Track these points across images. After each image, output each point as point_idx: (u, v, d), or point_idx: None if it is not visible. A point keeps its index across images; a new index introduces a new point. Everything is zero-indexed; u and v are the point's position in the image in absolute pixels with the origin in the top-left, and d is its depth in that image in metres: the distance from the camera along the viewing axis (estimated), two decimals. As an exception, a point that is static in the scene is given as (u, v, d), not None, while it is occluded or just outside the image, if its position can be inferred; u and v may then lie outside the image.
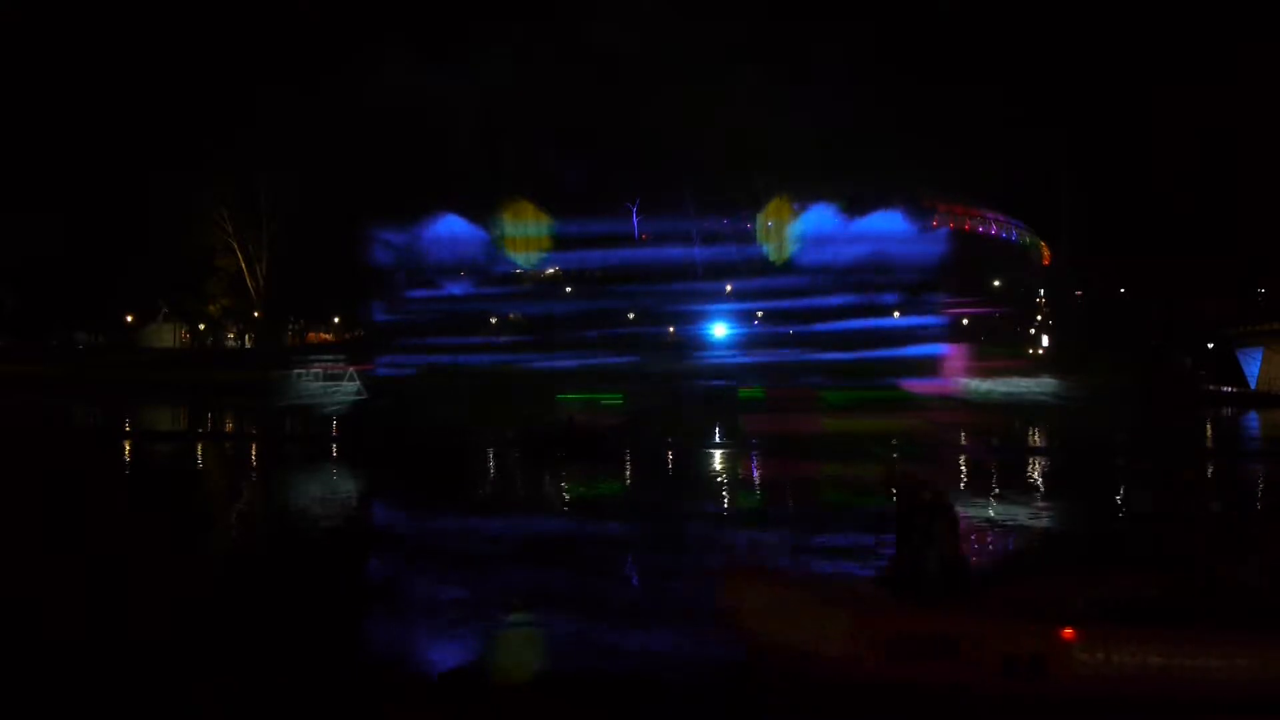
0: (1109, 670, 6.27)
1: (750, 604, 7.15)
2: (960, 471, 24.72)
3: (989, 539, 15.01)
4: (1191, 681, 6.27)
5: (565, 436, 27.31)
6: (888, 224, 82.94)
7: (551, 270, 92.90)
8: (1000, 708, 6.33)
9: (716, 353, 75.75)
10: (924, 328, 69.29)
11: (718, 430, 33.69)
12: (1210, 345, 76.74)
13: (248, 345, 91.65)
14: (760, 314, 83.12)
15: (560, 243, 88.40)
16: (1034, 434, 36.09)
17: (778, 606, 6.99)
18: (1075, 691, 6.27)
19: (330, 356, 53.96)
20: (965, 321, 76.85)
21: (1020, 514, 17.51)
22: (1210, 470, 26.43)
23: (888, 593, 7.31)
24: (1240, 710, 6.24)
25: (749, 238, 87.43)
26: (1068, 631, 6.36)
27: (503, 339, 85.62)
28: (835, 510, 18.22)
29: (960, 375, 39.70)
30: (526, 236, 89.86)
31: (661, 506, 18.99)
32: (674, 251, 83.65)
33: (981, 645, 6.38)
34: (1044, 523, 17.08)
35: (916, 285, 77.68)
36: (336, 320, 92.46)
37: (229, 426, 39.38)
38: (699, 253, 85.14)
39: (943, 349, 58.35)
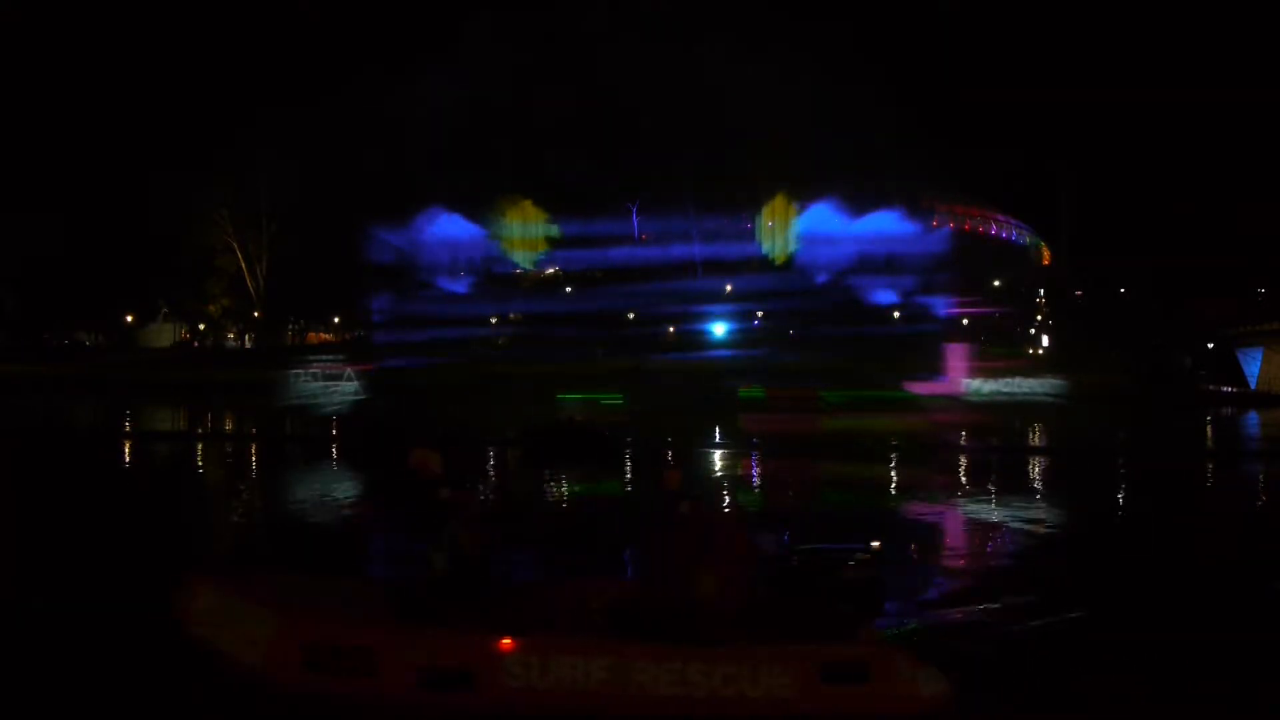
0: (544, 683, 6.03)
1: (199, 606, 6.83)
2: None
3: None
4: (636, 695, 6.03)
5: (566, 436, 27.31)
6: (888, 224, 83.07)
7: (551, 270, 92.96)
8: None
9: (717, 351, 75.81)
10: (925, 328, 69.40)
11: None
12: (1210, 345, 76.75)
13: (248, 345, 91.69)
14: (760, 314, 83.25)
15: (560, 242, 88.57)
16: (1035, 434, 36.14)
17: (220, 610, 6.69)
18: (502, 704, 6.00)
19: (329, 356, 54.02)
20: (965, 321, 76.87)
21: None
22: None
23: (384, 598, 6.99)
24: None
25: (749, 237, 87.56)
26: (505, 642, 6.10)
27: (502, 339, 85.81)
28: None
29: (961, 375, 39.63)
30: (526, 236, 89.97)
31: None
32: (674, 251, 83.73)
33: (401, 656, 6.09)
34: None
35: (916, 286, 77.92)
36: (336, 320, 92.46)
37: (228, 427, 39.36)
38: (699, 252, 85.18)
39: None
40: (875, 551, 8.55)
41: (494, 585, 7.06)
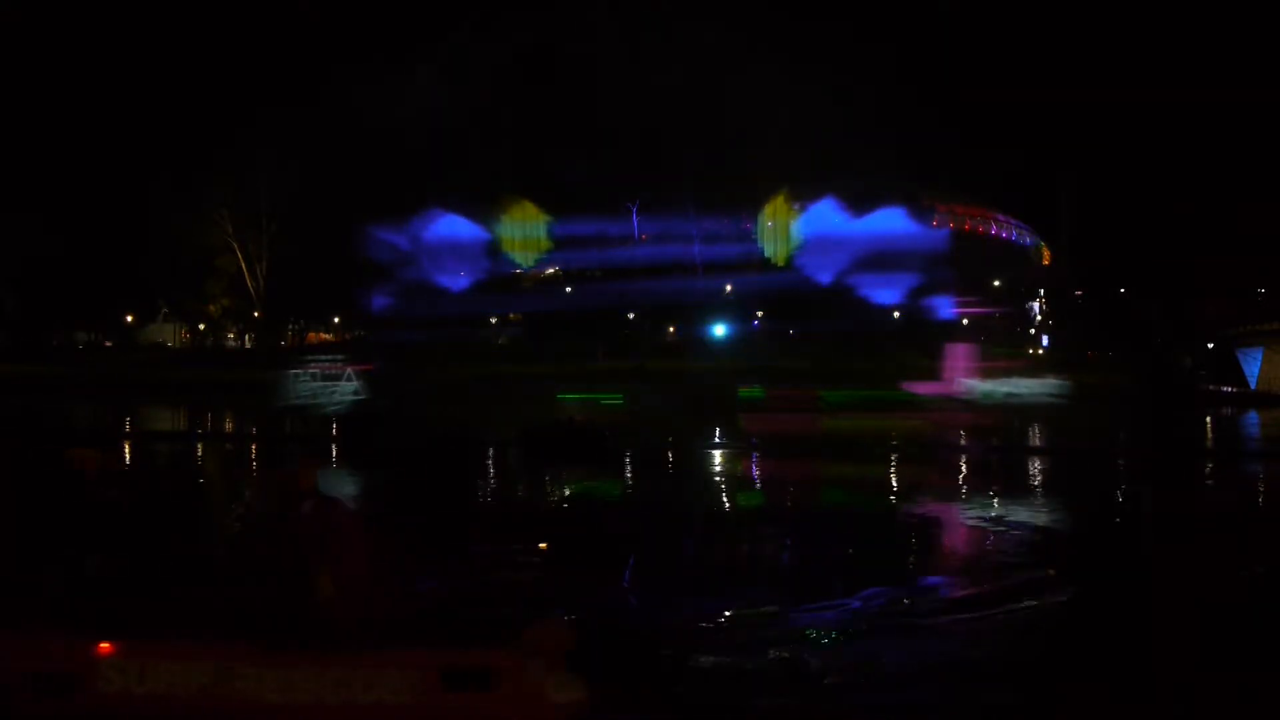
0: (142, 688, 5.78)
1: None
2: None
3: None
4: (239, 701, 5.78)
5: (566, 436, 27.30)
6: (888, 224, 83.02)
7: (551, 270, 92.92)
8: None
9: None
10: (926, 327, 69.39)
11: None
12: (1210, 345, 76.68)
13: (248, 345, 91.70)
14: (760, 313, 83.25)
15: (560, 243, 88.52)
16: (1037, 434, 36.12)
17: None
18: (106, 711, 5.77)
19: (328, 356, 53.94)
20: (965, 321, 76.82)
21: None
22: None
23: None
24: None
25: (749, 237, 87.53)
26: (104, 646, 5.82)
27: (502, 339, 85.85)
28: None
29: (961, 375, 39.56)
30: (526, 236, 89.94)
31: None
32: (674, 251, 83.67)
33: (11, 662, 5.86)
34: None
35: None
36: (336, 320, 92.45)
37: (228, 427, 39.41)
38: (699, 252, 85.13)
39: None
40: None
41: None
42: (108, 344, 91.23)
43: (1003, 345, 65.73)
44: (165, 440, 33.58)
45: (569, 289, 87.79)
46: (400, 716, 5.79)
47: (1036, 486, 22.69)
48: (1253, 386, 68.57)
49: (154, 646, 5.95)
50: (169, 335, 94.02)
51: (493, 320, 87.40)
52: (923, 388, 36.53)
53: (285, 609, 6.11)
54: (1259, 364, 69.00)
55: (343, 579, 6.18)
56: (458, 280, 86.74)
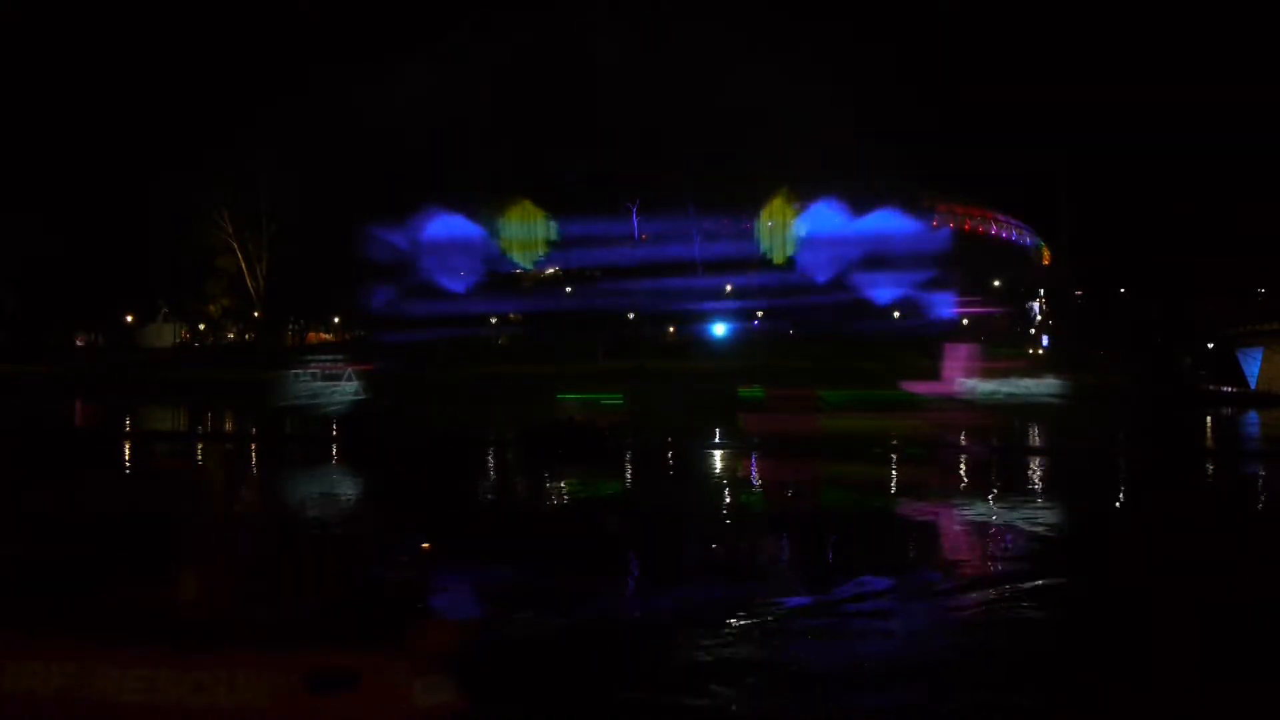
0: (2, 687, 5.73)
1: None
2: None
3: None
4: (98, 702, 5.71)
5: (565, 436, 27.29)
6: (888, 223, 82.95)
7: (551, 270, 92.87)
8: None
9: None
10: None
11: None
12: (1210, 345, 76.66)
13: (248, 345, 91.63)
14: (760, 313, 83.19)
15: (560, 243, 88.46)
16: (1037, 434, 36.11)
17: None
18: None
19: (328, 356, 53.86)
20: (965, 321, 76.80)
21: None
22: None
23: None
24: None
25: (749, 237, 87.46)
26: None
27: (502, 339, 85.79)
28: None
29: (961, 375, 39.50)
30: (526, 236, 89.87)
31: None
32: (674, 251, 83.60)
33: None
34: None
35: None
36: (336, 320, 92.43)
37: (228, 427, 39.41)
38: (699, 252, 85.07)
39: None
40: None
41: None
42: (100, 342, 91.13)
43: (1003, 345, 65.66)
44: (165, 440, 33.60)
45: (569, 289, 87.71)
46: (262, 718, 5.74)
47: (1036, 487, 22.69)
48: (1253, 386, 68.57)
49: (13, 645, 5.87)
50: (169, 335, 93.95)
51: (493, 320, 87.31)
52: (923, 388, 36.42)
53: (151, 609, 6.05)
54: (1259, 364, 69.00)
55: (205, 578, 6.13)
56: (458, 280, 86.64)
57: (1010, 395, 42.64)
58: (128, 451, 28.69)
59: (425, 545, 7.86)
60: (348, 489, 21.59)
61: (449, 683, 5.94)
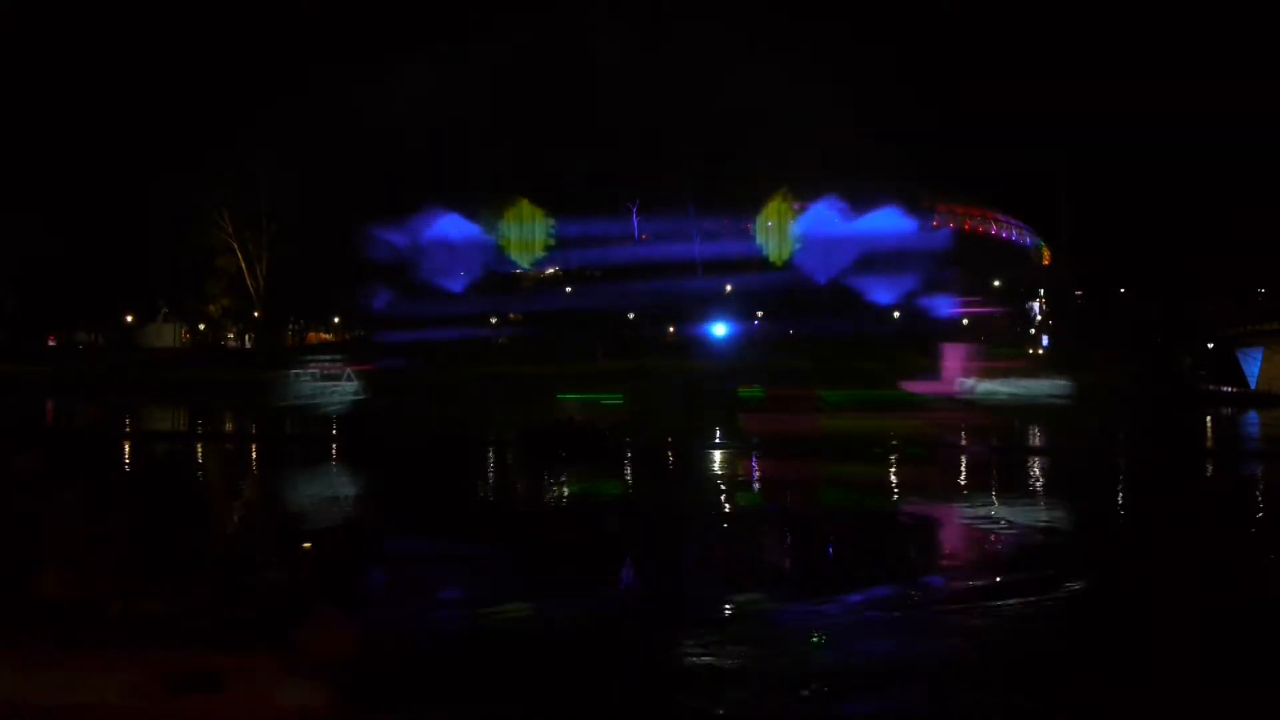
0: None
1: None
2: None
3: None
4: None
5: (565, 436, 27.30)
6: (888, 224, 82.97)
7: (551, 270, 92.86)
8: None
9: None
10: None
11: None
12: (1210, 345, 76.66)
13: (248, 345, 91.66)
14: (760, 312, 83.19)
15: (560, 243, 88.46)
16: (1038, 434, 36.11)
17: None
18: None
19: (328, 356, 53.89)
20: (965, 321, 76.79)
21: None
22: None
23: None
24: None
25: (749, 237, 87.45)
26: None
27: (502, 339, 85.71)
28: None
29: (961, 375, 39.57)
30: (526, 236, 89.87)
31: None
32: (674, 251, 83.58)
33: None
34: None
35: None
36: (336, 320, 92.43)
37: (228, 427, 39.40)
38: (699, 252, 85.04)
39: None
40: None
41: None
42: (100, 342, 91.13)
43: (1003, 345, 65.64)
44: (165, 440, 33.60)
45: (569, 289, 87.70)
46: (121, 718, 5.65)
47: (1036, 487, 22.69)
48: (1253, 386, 68.56)
49: None
50: (169, 335, 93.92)
51: (493, 320, 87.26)
52: (922, 388, 36.49)
53: (23, 608, 6.01)
54: (1259, 364, 68.99)
55: (67, 575, 6.01)
56: (458, 280, 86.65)
57: (1010, 395, 42.69)
58: (127, 452, 28.71)
59: (306, 545, 7.70)
60: (344, 489, 21.57)
61: (318, 686, 5.80)
